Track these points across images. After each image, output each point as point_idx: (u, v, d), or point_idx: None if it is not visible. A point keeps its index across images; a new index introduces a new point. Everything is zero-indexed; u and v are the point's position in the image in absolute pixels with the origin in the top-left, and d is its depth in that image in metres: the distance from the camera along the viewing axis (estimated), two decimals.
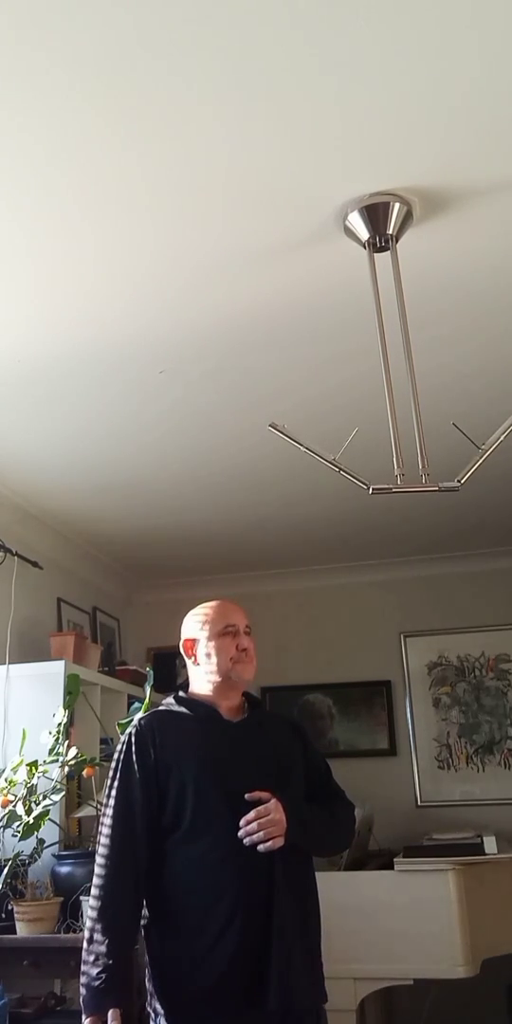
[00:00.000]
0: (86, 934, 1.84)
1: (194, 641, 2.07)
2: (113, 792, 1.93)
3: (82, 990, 1.78)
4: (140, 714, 2.36)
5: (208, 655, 2.02)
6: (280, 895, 1.83)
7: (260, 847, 1.82)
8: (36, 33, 1.44)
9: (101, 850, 1.89)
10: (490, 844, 3.35)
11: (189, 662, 2.09)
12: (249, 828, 1.83)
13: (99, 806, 2.75)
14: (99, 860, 1.88)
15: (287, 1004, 1.79)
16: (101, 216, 1.89)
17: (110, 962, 1.76)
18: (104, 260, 2.04)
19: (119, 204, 1.85)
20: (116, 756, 1.98)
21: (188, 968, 1.81)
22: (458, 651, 4.58)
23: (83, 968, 1.80)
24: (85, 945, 1.82)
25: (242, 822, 1.83)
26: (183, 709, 2.03)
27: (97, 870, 1.88)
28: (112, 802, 1.92)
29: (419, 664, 4.62)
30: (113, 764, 1.97)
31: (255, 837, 1.82)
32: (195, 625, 2.08)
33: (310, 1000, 1.88)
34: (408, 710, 4.58)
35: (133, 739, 1.96)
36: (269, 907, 1.82)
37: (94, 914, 1.83)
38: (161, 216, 1.90)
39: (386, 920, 3.07)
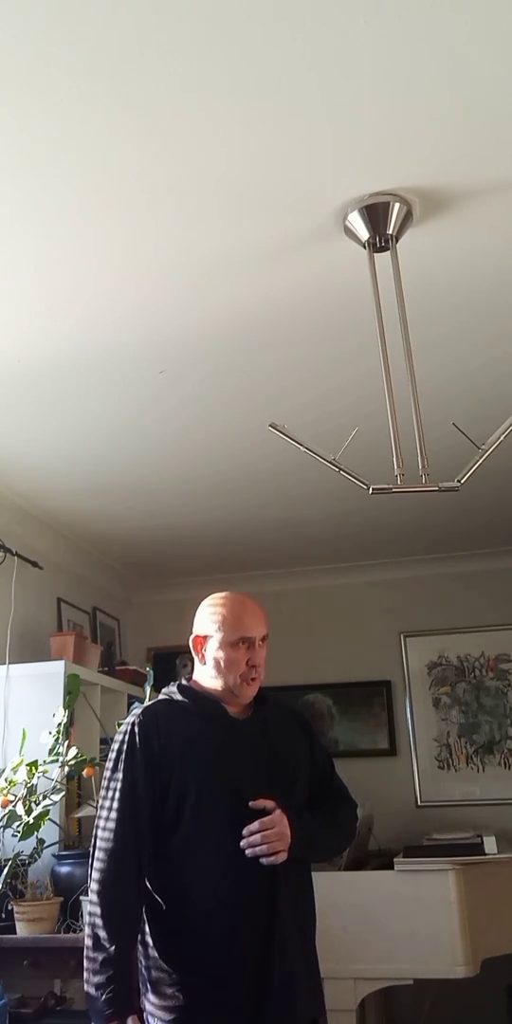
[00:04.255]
0: (88, 931, 1.76)
1: (205, 639, 1.95)
2: (116, 785, 1.83)
3: (91, 991, 1.71)
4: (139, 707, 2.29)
5: (216, 663, 1.91)
6: (282, 908, 1.79)
7: (263, 860, 1.77)
8: (36, 34, 1.44)
9: (102, 844, 1.80)
10: (490, 844, 3.35)
11: (196, 658, 1.98)
12: (252, 840, 1.77)
13: (98, 806, 2.75)
14: (100, 856, 1.80)
15: (288, 1019, 1.76)
16: (101, 216, 1.89)
17: (120, 967, 1.71)
18: (104, 261, 2.04)
19: (119, 204, 1.85)
20: (117, 747, 1.87)
21: (185, 975, 1.76)
22: (458, 651, 4.58)
23: (89, 968, 1.72)
24: (89, 944, 1.74)
25: (245, 832, 1.77)
26: (187, 701, 1.94)
27: (98, 865, 1.79)
28: (115, 795, 1.81)
29: (419, 664, 4.62)
30: (113, 755, 1.87)
31: (258, 850, 1.77)
32: (209, 623, 1.95)
33: (312, 1014, 1.85)
34: (408, 710, 4.58)
35: (137, 730, 1.86)
36: (270, 919, 1.77)
37: (97, 911, 1.75)
38: (161, 216, 1.90)
39: (386, 920, 3.06)
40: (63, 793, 2.83)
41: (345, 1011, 2.90)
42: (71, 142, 1.68)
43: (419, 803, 4.45)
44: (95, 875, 1.80)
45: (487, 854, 3.31)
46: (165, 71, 1.53)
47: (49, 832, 2.79)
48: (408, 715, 4.57)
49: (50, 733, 2.86)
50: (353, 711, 4.64)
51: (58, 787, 2.78)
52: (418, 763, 4.50)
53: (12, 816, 2.70)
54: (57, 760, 2.81)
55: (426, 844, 3.65)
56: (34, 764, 2.77)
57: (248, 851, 1.77)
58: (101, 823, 1.84)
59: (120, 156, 1.72)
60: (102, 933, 1.73)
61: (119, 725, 2.61)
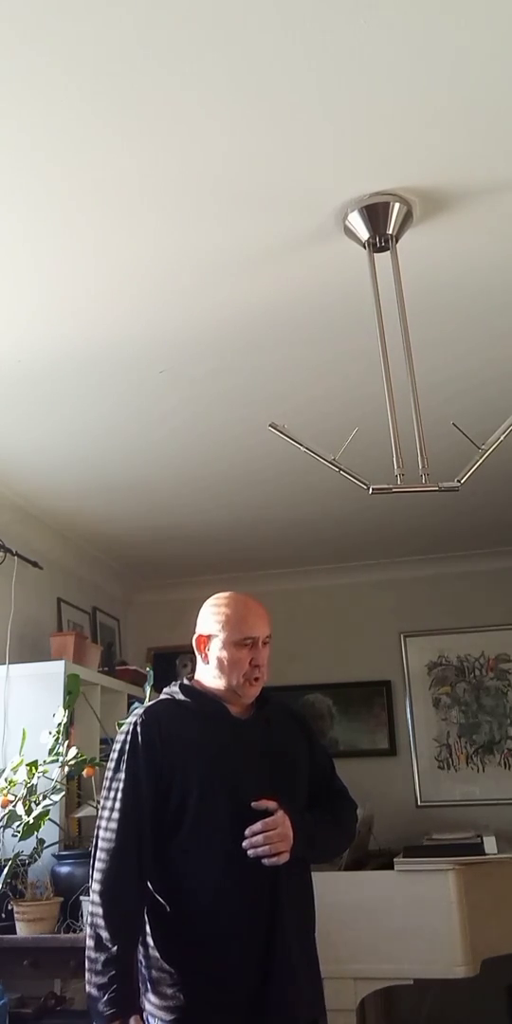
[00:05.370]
0: (90, 931, 1.75)
1: (208, 638, 1.95)
2: (118, 784, 1.82)
3: (93, 991, 1.70)
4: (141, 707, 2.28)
5: (220, 662, 1.91)
6: (283, 909, 1.79)
7: (265, 861, 1.76)
8: (36, 33, 1.44)
9: (103, 844, 1.80)
10: (490, 844, 3.35)
11: (199, 657, 1.98)
12: (255, 841, 1.77)
13: (99, 806, 2.76)
14: (101, 856, 1.79)
15: (289, 1020, 1.76)
16: (102, 216, 1.89)
17: (123, 967, 1.70)
18: (105, 260, 2.04)
19: (120, 204, 1.85)
20: (119, 747, 1.87)
21: (186, 976, 1.76)
22: (458, 651, 4.58)
23: (91, 968, 1.72)
24: (91, 944, 1.73)
25: (247, 832, 1.77)
26: (188, 700, 1.94)
27: (99, 865, 1.79)
28: (117, 795, 1.81)
29: (419, 664, 4.62)
30: (115, 755, 1.87)
31: (260, 851, 1.76)
32: (212, 623, 1.95)
33: (312, 1014, 1.85)
34: (408, 710, 4.58)
35: (139, 729, 1.85)
36: (272, 919, 1.77)
37: (99, 911, 1.74)
38: (162, 216, 1.90)
39: (386, 920, 3.06)
40: (63, 793, 2.83)
41: (345, 1011, 2.90)
42: (71, 142, 1.67)
43: (419, 803, 4.45)
44: (97, 875, 1.79)
45: (487, 854, 3.31)
46: (165, 71, 1.53)
47: (49, 832, 2.79)
48: (408, 715, 4.57)
49: (50, 733, 2.86)
50: (353, 711, 4.64)
51: (58, 787, 2.78)
52: (418, 763, 4.50)
53: (12, 816, 2.70)
54: (57, 760, 2.81)
55: (426, 844, 3.65)
56: (34, 764, 2.77)
57: (250, 852, 1.77)
58: (103, 823, 1.83)
59: (120, 156, 1.72)
60: (104, 933, 1.72)
61: (119, 725, 2.61)
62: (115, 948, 1.71)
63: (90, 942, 1.75)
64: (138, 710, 1.96)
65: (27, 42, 1.46)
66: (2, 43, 1.46)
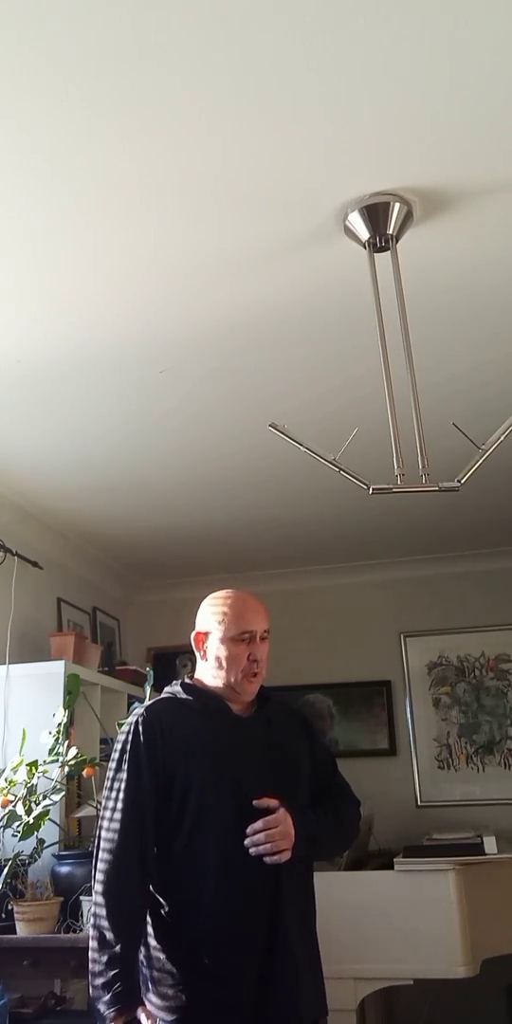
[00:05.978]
0: (93, 932, 1.75)
1: (206, 635, 1.96)
2: (120, 784, 1.82)
3: (97, 991, 1.70)
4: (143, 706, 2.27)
5: (218, 659, 1.92)
6: (285, 908, 1.79)
7: (266, 859, 1.76)
8: (36, 33, 1.44)
9: (106, 844, 1.80)
10: (490, 844, 3.35)
11: (198, 655, 1.99)
12: (256, 839, 1.77)
13: (99, 806, 2.75)
14: (104, 856, 1.79)
15: (291, 1020, 1.77)
16: (101, 216, 1.89)
17: (126, 964, 1.70)
18: (104, 261, 2.04)
19: (119, 204, 1.85)
20: (120, 746, 1.87)
21: (188, 975, 1.76)
22: (458, 651, 4.58)
23: (95, 969, 1.72)
24: (95, 945, 1.73)
25: (249, 830, 1.77)
26: (190, 699, 1.94)
27: (102, 865, 1.78)
28: (119, 794, 1.81)
29: (419, 664, 4.62)
30: (117, 754, 1.87)
31: (262, 849, 1.76)
32: (210, 619, 1.96)
33: (314, 1014, 1.85)
34: (408, 710, 4.58)
35: (141, 728, 1.86)
36: (274, 918, 1.77)
37: (103, 911, 1.74)
38: (161, 217, 1.90)
39: (386, 920, 3.06)
40: (63, 793, 2.83)
41: (345, 1011, 2.90)
42: (71, 142, 1.67)
43: (419, 803, 4.45)
44: (99, 875, 1.79)
45: (487, 854, 3.31)
46: (164, 71, 1.53)
47: (49, 832, 2.79)
48: (408, 715, 4.57)
49: (50, 733, 2.86)
50: (353, 711, 4.64)
51: (58, 787, 2.78)
52: (418, 763, 4.50)
53: (12, 816, 2.70)
54: (57, 760, 2.81)
55: (426, 844, 3.65)
56: (34, 764, 2.77)
57: (252, 850, 1.77)
58: (105, 823, 1.83)
59: (120, 156, 1.72)
60: (107, 932, 1.73)
61: (119, 725, 2.61)
62: (118, 947, 1.71)
63: (93, 942, 1.75)
64: (139, 709, 1.96)
65: (27, 42, 1.46)
66: (2, 43, 1.46)
